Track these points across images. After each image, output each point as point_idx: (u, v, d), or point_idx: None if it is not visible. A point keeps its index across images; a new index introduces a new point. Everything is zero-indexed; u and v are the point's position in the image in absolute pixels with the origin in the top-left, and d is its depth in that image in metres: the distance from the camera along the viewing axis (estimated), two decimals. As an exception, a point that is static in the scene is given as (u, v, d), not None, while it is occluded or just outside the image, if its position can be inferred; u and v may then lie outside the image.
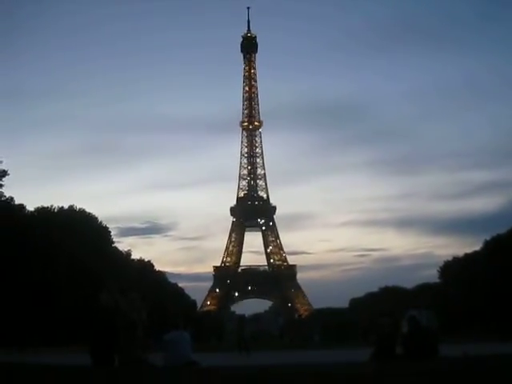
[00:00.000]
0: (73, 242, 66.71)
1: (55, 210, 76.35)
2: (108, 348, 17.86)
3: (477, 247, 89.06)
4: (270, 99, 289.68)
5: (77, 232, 69.58)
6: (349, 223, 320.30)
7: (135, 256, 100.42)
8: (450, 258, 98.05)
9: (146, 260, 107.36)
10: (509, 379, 12.08)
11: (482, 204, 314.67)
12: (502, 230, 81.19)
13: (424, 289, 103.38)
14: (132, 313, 19.03)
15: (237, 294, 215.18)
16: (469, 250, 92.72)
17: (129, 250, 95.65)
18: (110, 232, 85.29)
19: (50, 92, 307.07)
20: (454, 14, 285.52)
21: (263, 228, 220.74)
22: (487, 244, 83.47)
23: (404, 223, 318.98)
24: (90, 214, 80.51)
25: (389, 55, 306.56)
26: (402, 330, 22.72)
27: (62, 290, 63.06)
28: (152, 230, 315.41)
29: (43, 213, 73.15)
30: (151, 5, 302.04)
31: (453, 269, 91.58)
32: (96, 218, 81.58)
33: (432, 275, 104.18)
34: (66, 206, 77.98)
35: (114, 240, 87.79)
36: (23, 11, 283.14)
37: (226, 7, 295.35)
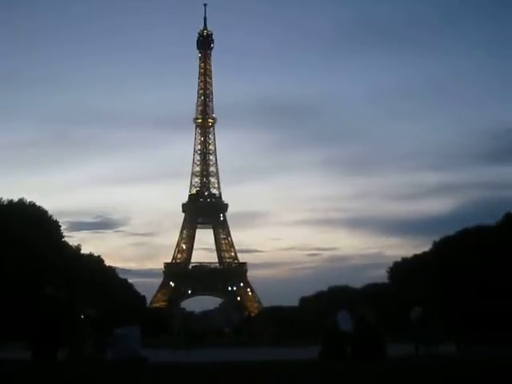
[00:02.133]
0: (22, 235, 65.87)
1: (4, 203, 75.31)
2: (50, 342, 17.77)
3: (426, 248, 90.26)
4: (225, 96, 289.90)
5: (26, 225, 68.72)
6: (301, 222, 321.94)
7: (85, 251, 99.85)
8: (399, 259, 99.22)
9: (96, 255, 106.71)
10: (453, 378, 12.34)
11: (435, 206, 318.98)
12: (453, 232, 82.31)
13: (372, 288, 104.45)
14: (78, 308, 18.96)
15: (187, 291, 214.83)
16: (418, 251, 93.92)
17: (79, 244, 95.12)
18: (60, 226, 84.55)
19: (2, 82, 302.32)
20: (417, 15, 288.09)
21: (215, 225, 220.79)
22: (436, 245, 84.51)
23: (356, 223, 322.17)
24: (40, 207, 79.61)
25: (348, 56, 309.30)
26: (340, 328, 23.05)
27: (10, 285, 62.24)
28: (103, 224, 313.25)
29: (-8, 205, 72.18)
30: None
31: (401, 269, 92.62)
32: (46, 212, 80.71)
33: (381, 275, 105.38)
34: (15, 199, 76.98)
35: (64, 234, 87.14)
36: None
37: (182, 3, 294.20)
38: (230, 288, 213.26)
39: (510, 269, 58.69)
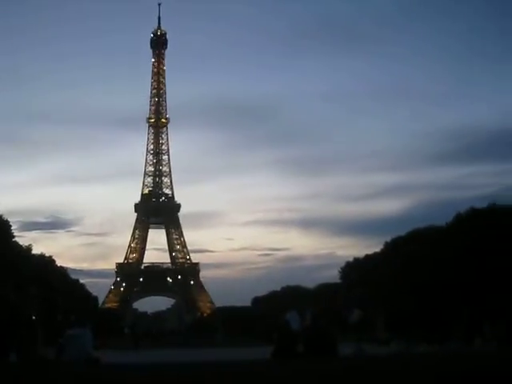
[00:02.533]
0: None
1: (-48, 203, 74.20)
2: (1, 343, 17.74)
3: (378, 249, 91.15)
4: (178, 97, 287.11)
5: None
6: (254, 222, 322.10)
7: (37, 251, 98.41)
8: (351, 259, 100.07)
9: (48, 255, 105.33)
10: (401, 375, 12.64)
11: (388, 206, 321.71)
12: (403, 232, 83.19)
13: (324, 288, 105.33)
14: (28, 309, 18.88)
15: (139, 291, 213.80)
16: (370, 252, 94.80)
17: (29, 244, 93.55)
18: (10, 226, 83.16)
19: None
20: (375, 13, 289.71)
21: (167, 225, 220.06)
22: (387, 245, 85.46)
23: (308, 223, 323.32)
24: (-11, 207, 78.43)
25: (304, 56, 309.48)
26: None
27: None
28: (55, 224, 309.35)
29: None
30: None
31: (353, 269, 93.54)
32: (-4, 211, 79.38)
33: (333, 275, 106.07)
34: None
35: (15, 234, 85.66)
36: None
37: (137, 3, 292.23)
38: (182, 288, 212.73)
39: (460, 268, 59.69)
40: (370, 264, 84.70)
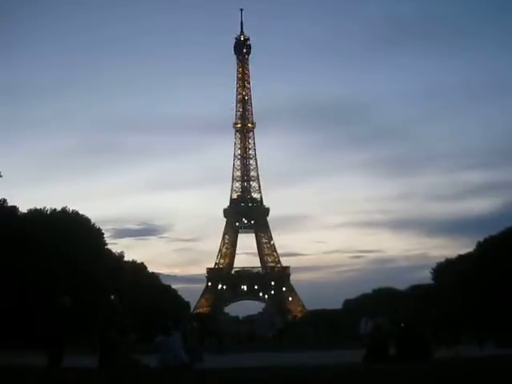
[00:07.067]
0: (65, 244, 66.43)
1: (48, 212, 76.07)
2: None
3: (471, 249, 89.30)
4: (263, 101, 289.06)
5: (69, 234, 69.29)
6: (344, 224, 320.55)
7: (129, 258, 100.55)
8: (443, 260, 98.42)
9: (139, 262, 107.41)
10: (501, 380, 12.20)
11: (478, 205, 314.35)
12: (497, 232, 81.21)
13: (416, 290, 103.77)
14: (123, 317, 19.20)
15: (230, 296, 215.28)
16: (463, 252, 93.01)
17: (122, 252, 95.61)
18: (103, 234, 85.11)
19: (46, 91, 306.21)
20: (449, 16, 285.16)
21: (256, 230, 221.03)
22: (480, 245, 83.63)
23: (399, 224, 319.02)
24: (83, 215, 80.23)
25: (385, 57, 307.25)
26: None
27: (58, 294, 62.79)
28: (147, 231, 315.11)
29: (36, 215, 72.85)
30: (148, 6, 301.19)
31: (446, 270, 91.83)
32: (89, 220, 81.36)
33: (426, 276, 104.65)
34: (59, 208, 77.69)
35: (108, 242, 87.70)
36: (22, 11, 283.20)
37: (219, 9, 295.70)
38: (273, 292, 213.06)
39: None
40: (464, 264, 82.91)
